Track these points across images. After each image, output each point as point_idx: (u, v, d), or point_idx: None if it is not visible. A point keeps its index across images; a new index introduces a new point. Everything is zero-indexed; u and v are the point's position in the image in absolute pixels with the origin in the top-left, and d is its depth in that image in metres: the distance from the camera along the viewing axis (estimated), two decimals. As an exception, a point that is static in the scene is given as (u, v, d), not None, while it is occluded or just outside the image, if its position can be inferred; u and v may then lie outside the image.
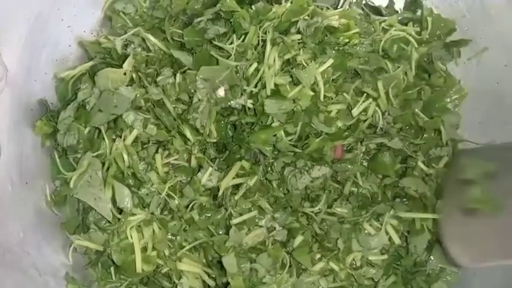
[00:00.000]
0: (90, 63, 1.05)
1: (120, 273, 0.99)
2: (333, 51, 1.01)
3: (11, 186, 0.96)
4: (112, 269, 1.00)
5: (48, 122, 1.01)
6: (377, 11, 1.12)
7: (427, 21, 1.09)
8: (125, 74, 0.99)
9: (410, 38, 1.05)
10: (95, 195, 0.97)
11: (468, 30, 1.09)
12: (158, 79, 0.99)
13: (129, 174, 0.98)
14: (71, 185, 0.99)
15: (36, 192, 1.01)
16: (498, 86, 1.06)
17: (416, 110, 1.01)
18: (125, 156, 0.97)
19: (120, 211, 0.98)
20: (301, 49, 0.99)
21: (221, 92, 0.98)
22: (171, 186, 0.98)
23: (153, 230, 0.98)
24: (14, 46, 0.95)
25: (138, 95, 0.98)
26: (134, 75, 1.01)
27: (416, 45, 1.05)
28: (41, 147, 1.02)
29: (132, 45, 1.04)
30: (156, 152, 1.00)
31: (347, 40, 1.02)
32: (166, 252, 0.99)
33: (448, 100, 1.07)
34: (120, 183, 0.97)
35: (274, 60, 0.98)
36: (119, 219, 0.97)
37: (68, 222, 1.02)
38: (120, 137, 0.99)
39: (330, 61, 0.99)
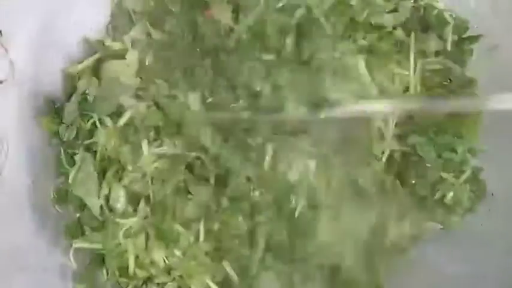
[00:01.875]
0: (97, 55, 1.04)
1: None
2: None
3: (17, 185, 0.95)
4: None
5: (54, 119, 1.01)
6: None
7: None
8: (128, 66, 0.99)
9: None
10: (87, 190, 0.96)
11: (478, 27, 1.07)
12: None
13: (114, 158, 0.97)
14: (70, 180, 0.98)
15: (42, 190, 1.00)
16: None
17: None
18: (114, 139, 0.96)
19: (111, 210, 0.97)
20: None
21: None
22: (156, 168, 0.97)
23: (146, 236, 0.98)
24: (21, 43, 0.95)
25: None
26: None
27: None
28: (47, 145, 1.01)
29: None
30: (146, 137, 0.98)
31: None
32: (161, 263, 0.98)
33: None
34: (117, 182, 0.96)
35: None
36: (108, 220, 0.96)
37: (68, 224, 1.01)
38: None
39: None
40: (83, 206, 0.98)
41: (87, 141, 0.98)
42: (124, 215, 0.96)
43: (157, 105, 0.99)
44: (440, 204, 1.03)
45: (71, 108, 1.00)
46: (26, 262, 0.92)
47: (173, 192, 0.97)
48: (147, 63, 1.02)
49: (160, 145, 0.98)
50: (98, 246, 0.98)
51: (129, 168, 0.96)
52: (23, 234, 0.94)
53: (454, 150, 1.01)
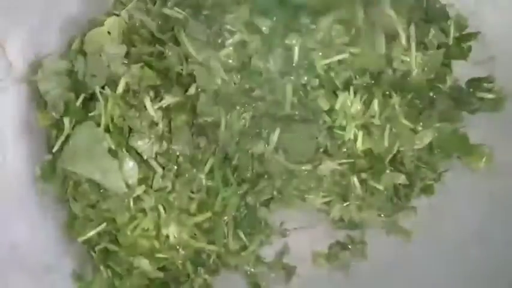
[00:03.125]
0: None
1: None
2: None
3: (17, 184, 0.94)
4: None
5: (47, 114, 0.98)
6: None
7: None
8: (109, 32, 0.96)
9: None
10: (99, 167, 0.92)
11: (477, 27, 1.07)
12: None
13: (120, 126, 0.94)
14: (62, 155, 0.94)
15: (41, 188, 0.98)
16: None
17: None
18: (117, 107, 0.93)
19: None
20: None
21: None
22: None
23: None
24: (19, 43, 0.94)
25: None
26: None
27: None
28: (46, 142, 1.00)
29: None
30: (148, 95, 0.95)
31: None
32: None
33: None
34: (126, 152, 0.93)
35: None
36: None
37: (69, 221, 0.99)
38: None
39: None
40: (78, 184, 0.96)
41: (91, 113, 0.94)
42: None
43: (149, 65, 0.96)
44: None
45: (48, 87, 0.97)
46: (24, 260, 0.92)
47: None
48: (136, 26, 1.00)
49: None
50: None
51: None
52: (22, 232, 0.93)
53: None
